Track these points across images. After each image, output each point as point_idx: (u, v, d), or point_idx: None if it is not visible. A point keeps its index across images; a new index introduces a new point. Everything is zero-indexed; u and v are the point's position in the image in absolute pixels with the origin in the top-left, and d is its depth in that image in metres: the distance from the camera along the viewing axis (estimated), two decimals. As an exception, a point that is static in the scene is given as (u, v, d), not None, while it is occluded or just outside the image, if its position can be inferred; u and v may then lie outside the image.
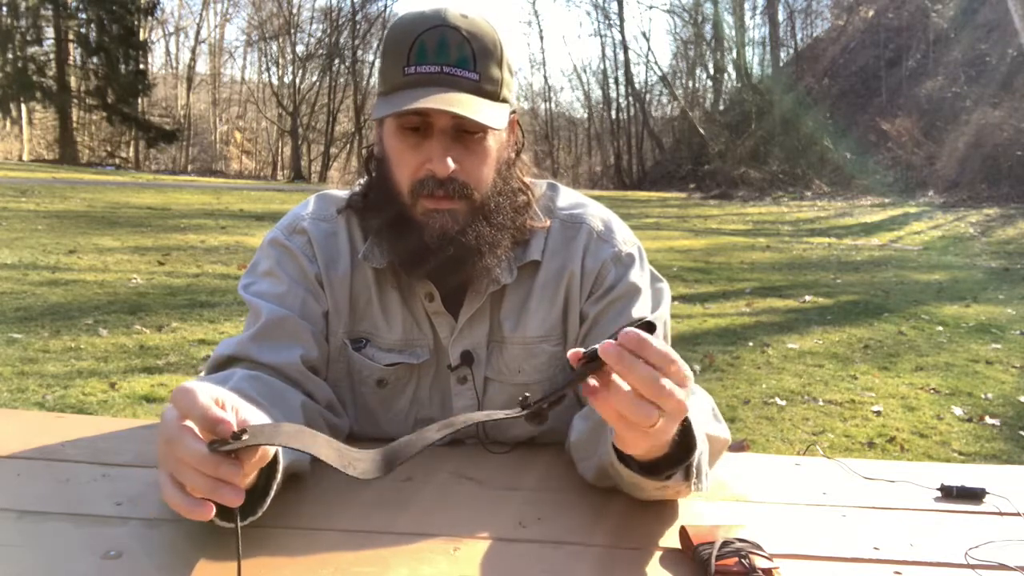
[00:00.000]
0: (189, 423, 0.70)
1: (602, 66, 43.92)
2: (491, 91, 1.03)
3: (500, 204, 1.07)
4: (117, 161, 32.03)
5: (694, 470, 0.86)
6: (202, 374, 1.10)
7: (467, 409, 1.15)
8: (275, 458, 0.82)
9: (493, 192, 1.07)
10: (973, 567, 0.86)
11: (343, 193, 1.17)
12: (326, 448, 0.72)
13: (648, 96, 36.93)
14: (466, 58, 1.01)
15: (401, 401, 1.16)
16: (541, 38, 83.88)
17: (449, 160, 1.00)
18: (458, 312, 1.12)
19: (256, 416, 0.77)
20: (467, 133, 1.03)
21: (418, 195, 1.03)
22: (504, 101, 1.05)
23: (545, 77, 76.41)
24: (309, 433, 0.73)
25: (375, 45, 36.02)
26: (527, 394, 0.76)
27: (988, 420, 3.63)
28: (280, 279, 1.11)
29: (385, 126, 1.07)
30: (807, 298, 6.70)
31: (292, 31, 35.81)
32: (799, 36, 31.09)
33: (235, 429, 0.69)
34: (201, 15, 39.26)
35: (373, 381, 1.14)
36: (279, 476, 0.82)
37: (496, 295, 1.13)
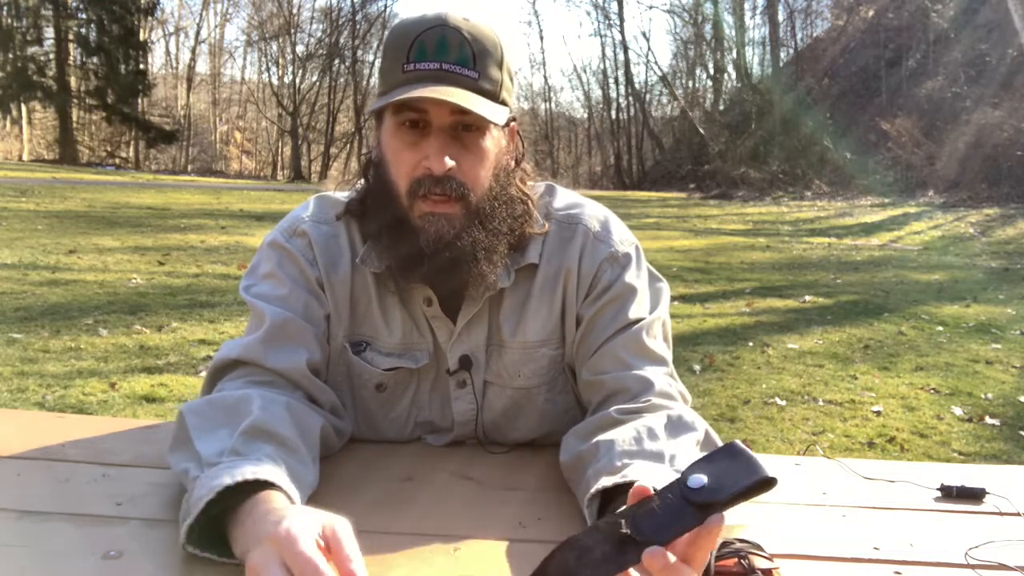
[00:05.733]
0: None
1: (602, 66, 43.99)
2: (490, 90, 1.02)
3: (496, 210, 1.07)
4: (117, 161, 32.04)
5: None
6: (203, 374, 1.10)
7: (466, 412, 1.15)
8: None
9: (489, 196, 1.06)
10: (973, 567, 0.86)
11: (342, 195, 1.17)
12: None
13: (648, 96, 36.94)
14: (466, 57, 1.00)
15: (400, 405, 1.16)
16: (541, 38, 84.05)
17: (447, 158, 1.00)
18: (455, 315, 1.12)
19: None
20: (465, 132, 1.02)
21: (415, 195, 1.02)
22: (503, 104, 1.05)
23: (545, 77, 76.57)
24: None
25: (375, 45, 36.00)
26: (625, 531, 0.70)
27: (988, 420, 3.62)
28: (281, 281, 1.10)
29: (384, 125, 1.06)
30: (807, 298, 6.70)
31: (292, 31, 35.79)
32: (799, 36, 31.09)
33: None
34: (201, 15, 39.32)
35: (372, 385, 1.14)
36: None
37: (495, 299, 1.12)
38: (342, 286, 1.12)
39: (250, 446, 0.87)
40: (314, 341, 1.08)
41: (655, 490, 0.71)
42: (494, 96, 1.03)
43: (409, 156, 1.02)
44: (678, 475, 0.90)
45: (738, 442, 0.70)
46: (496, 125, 1.04)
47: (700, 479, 0.68)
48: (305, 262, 1.10)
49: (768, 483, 0.66)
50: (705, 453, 1.01)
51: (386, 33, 1.08)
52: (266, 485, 0.81)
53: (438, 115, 1.00)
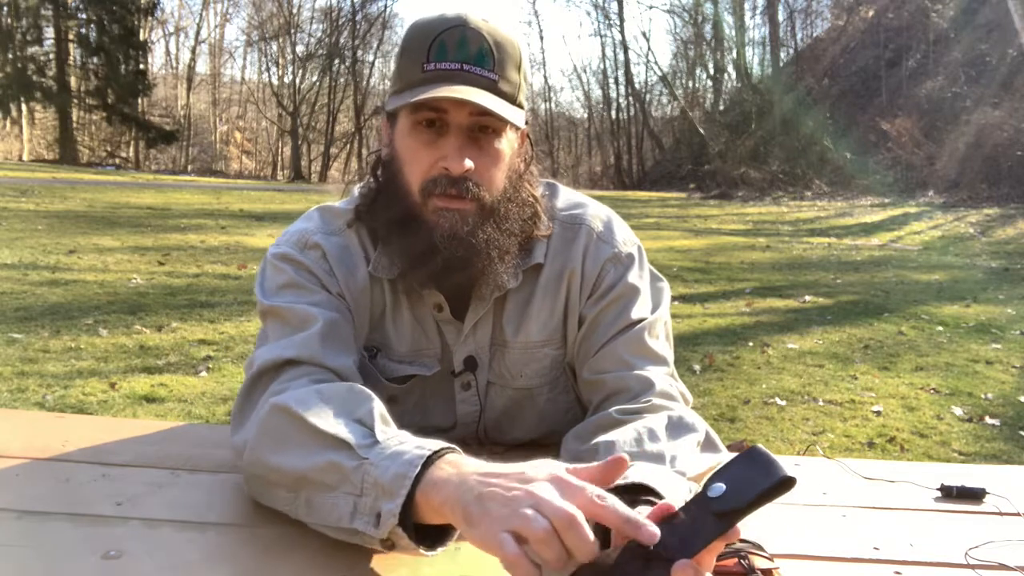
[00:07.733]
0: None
1: (602, 66, 44.00)
2: (509, 93, 1.02)
3: (510, 211, 1.06)
4: (117, 161, 32.03)
5: None
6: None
7: (470, 414, 1.15)
8: None
9: (504, 198, 1.05)
10: (973, 567, 0.86)
11: (344, 206, 1.15)
12: None
13: (648, 96, 36.91)
14: (486, 57, 1.00)
15: (406, 411, 1.15)
16: (541, 38, 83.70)
17: (466, 159, 0.99)
18: (463, 318, 1.12)
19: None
20: (482, 133, 1.02)
21: (429, 194, 1.01)
22: (519, 107, 1.04)
23: (545, 77, 76.15)
24: None
25: (375, 45, 36.09)
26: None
27: (988, 420, 3.63)
28: (309, 289, 1.07)
29: (398, 124, 1.05)
30: (807, 298, 6.70)
31: (292, 31, 35.79)
32: (799, 36, 31.10)
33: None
34: (201, 15, 39.30)
35: (384, 397, 1.13)
36: None
37: (499, 299, 1.12)
38: (363, 295, 1.10)
39: (393, 429, 0.85)
40: (354, 345, 1.06)
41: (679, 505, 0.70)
42: (512, 99, 1.02)
43: (426, 155, 1.01)
44: (679, 476, 0.90)
45: (759, 446, 0.69)
46: (514, 128, 1.04)
47: (720, 487, 0.67)
48: (323, 273, 1.08)
49: (787, 483, 0.65)
50: (703, 452, 1.01)
51: (403, 31, 1.07)
52: (447, 450, 0.81)
53: (457, 115, 1.00)
